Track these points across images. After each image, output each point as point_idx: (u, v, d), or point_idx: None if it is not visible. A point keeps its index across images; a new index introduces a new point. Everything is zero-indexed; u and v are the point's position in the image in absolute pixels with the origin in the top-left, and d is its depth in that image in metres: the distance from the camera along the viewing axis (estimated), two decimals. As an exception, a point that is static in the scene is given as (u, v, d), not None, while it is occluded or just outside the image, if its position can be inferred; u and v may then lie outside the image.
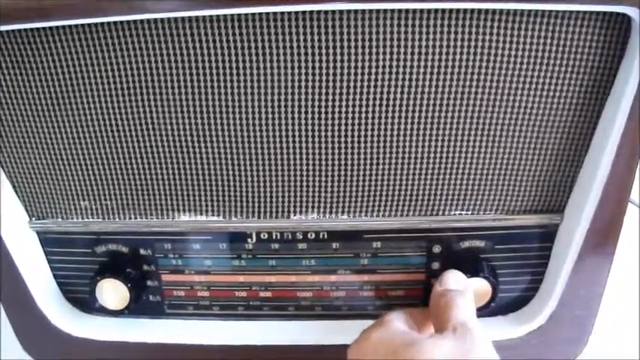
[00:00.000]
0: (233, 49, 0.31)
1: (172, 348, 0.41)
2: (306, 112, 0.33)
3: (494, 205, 0.37)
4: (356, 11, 0.30)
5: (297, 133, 0.34)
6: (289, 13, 0.30)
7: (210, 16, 0.31)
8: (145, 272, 0.40)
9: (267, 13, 0.30)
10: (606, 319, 0.42)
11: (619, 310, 0.45)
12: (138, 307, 0.41)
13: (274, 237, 0.38)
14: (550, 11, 0.30)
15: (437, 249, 0.38)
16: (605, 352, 0.42)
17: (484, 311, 0.39)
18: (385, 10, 0.30)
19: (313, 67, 0.32)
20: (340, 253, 0.39)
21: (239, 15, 0.30)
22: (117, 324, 0.42)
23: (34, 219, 0.39)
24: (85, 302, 0.42)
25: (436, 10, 0.30)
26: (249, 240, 0.38)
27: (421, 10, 0.30)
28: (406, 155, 0.35)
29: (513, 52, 0.31)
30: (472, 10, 0.30)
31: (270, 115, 0.34)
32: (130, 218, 0.38)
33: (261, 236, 0.38)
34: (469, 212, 0.37)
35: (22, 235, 0.39)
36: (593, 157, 0.35)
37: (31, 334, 0.42)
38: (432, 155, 0.35)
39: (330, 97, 0.33)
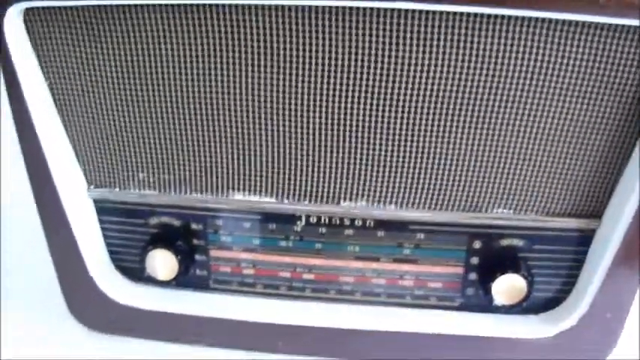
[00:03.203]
0: (295, 40, 0.37)
1: (214, 321, 0.46)
2: (365, 106, 0.39)
3: (534, 206, 0.42)
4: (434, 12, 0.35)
5: (354, 126, 0.39)
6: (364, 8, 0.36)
7: (289, 6, 0.36)
8: (195, 246, 0.45)
9: (337, 7, 0.36)
10: None
11: None
12: (184, 280, 0.46)
13: (323, 221, 0.44)
14: (598, 23, 0.36)
15: (477, 245, 0.44)
16: None
17: (518, 309, 0.44)
18: (455, 13, 0.35)
19: (375, 61, 0.37)
20: (384, 242, 0.44)
21: (315, 6, 0.36)
22: (162, 294, 0.47)
23: (92, 187, 0.45)
24: (133, 272, 0.47)
25: (496, 16, 0.35)
26: (298, 222, 0.44)
27: (488, 15, 0.35)
28: (455, 153, 0.40)
29: (560, 60, 0.36)
30: (530, 19, 0.35)
31: (329, 105, 0.39)
32: (186, 193, 0.44)
33: (311, 220, 0.44)
34: (510, 211, 0.42)
35: (79, 202, 0.45)
36: (633, 166, 0.40)
37: (79, 298, 0.48)
38: (479, 154, 0.40)
39: (389, 92, 0.38)
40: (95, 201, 0.45)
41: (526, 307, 0.44)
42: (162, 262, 0.44)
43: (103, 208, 0.45)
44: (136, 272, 0.47)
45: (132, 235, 0.46)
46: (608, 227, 0.42)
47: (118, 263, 0.47)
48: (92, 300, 0.47)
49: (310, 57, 0.37)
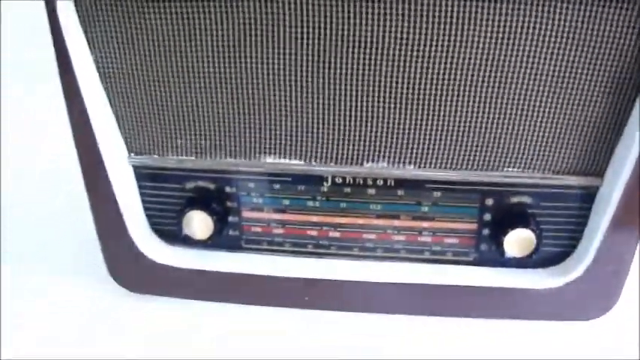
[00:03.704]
0: (316, 15, 0.41)
1: (245, 278, 0.51)
2: (382, 76, 0.43)
3: (541, 164, 0.46)
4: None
5: (375, 93, 0.43)
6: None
7: None
8: (228, 208, 0.50)
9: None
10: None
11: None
12: (218, 241, 0.50)
13: (347, 181, 0.48)
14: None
15: (489, 202, 0.48)
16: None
17: (528, 262, 0.49)
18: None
19: (389, 29, 0.41)
20: (404, 200, 0.48)
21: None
22: (197, 254, 0.52)
23: (132, 154, 0.49)
24: (169, 234, 0.52)
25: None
26: (324, 183, 0.48)
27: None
28: (467, 116, 0.44)
29: (563, 29, 0.40)
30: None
31: (351, 76, 0.43)
32: (220, 157, 0.48)
33: (336, 180, 0.48)
34: (519, 169, 0.46)
35: (121, 169, 0.49)
36: (632, 126, 0.44)
37: (120, 261, 0.52)
38: (489, 116, 0.44)
39: (406, 60, 0.42)
40: (135, 167, 0.49)
41: (535, 260, 0.49)
42: (198, 222, 0.49)
43: (142, 174, 0.50)
44: (171, 235, 0.52)
45: (169, 199, 0.50)
46: (609, 184, 0.46)
47: (155, 227, 0.52)
48: (132, 261, 0.51)
49: (327, 29, 0.41)
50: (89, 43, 0.44)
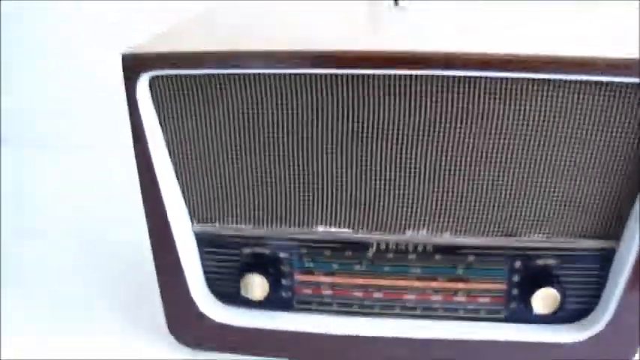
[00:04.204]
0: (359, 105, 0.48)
1: (296, 335, 0.56)
2: (423, 156, 0.49)
3: (563, 230, 0.52)
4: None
5: (417, 172, 0.50)
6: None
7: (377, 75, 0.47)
8: (282, 271, 0.56)
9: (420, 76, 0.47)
10: None
11: None
12: (272, 302, 0.56)
13: (390, 248, 0.54)
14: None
15: (517, 264, 0.54)
16: None
17: (554, 318, 0.54)
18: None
19: (434, 123, 0.48)
20: (441, 264, 0.54)
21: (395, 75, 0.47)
22: (252, 314, 0.57)
23: (195, 223, 0.55)
24: (225, 296, 0.57)
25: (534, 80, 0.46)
26: (369, 249, 0.54)
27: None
28: (497, 189, 0.50)
29: (582, 114, 0.47)
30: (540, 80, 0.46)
31: (392, 157, 0.50)
32: (275, 226, 0.54)
33: (380, 247, 0.54)
34: (544, 235, 0.52)
35: (186, 236, 0.55)
36: (644, 197, 0.50)
37: (180, 318, 0.57)
38: (518, 191, 0.50)
39: (446, 142, 0.49)
40: (197, 234, 0.55)
41: (561, 316, 0.54)
42: (255, 284, 0.54)
43: (203, 240, 0.56)
44: (228, 296, 0.57)
45: (228, 263, 0.56)
46: (625, 247, 0.52)
47: (212, 288, 0.57)
48: (191, 319, 0.57)
49: (372, 118, 0.48)
50: (161, 123, 0.51)
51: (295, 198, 0.53)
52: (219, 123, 0.50)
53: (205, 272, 0.57)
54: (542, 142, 0.49)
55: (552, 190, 0.51)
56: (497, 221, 0.52)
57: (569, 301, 0.54)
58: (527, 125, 0.48)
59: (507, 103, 0.47)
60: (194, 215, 0.55)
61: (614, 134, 0.48)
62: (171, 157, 0.52)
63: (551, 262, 0.54)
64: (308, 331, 0.56)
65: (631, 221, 0.51)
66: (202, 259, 0.56)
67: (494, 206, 0.52)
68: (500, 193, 0.51)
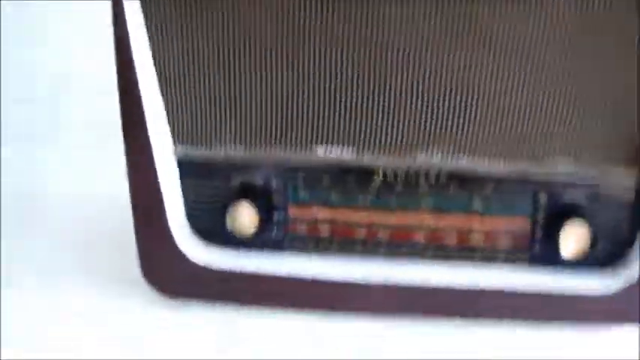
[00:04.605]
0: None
1: (287, 280, 0.50)
2: (435, 65, 0.45)
3: (593, 155, 0.47)
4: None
5: (430, 84, 0.45)
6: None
7: None
8: (274, 204, 0.49)
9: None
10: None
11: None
12: (262, 242, 0.50)
13: (399, 176, 0.48)
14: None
15: (542, 198, 0.48)
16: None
17: (583, 262, 0.48)
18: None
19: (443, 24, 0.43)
20: (456, 197, 0.48)
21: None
22: (240, 255, 0.50)
23: (179, 144, 0.49)
24: (210, 234, 0.51)
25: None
26: (375, 177, 0.48)
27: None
28: (518, 104, 0.45)
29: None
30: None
31: (402, 64, 0.45)
32: (269, 148, 0.48)
33: (388, 175, 0.48)
34: (571, 160, 0.47)
35: (167, 163, 0.49)
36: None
37: (156, 260, 0.50)
38: (537, 104, 0.45)
39: (458, 50, 0.44)
40: (180, 160, 0.49)
41: (591, 261, 0.49)
42: (242, 217, 0.48)
43: (185, 168, 0.49)
44: (212, 235, 0.51)
45: (212, 196, 0.50)
46: (663, 180, 0.47)
47: (195, 226, 0.51)
48: (169, 261, 0.50)
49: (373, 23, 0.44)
50: (148, 30, 0.46)
51: (292, 112, 0.47)
52: (211, 32, 0.46)
53: (187, 207, 0.50)
54: (564, 49, 0.44)
55: (579, 106, 0.46)
56: (519, 141, 0.47)
57: (601, 242, 0.48)
58: (550, 31, 0.43)
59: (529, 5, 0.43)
60: (178, 135, 0.49)
61: None
62: (156, 69, 0.47)
63: (579, 194, 0.48)
64: (302, 275, 0.49)
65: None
66: (185, 190, 0.50)
67: (515, 123, 0.46)
68: (522, 108, 0.46)
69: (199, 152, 0.49)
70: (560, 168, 0.47)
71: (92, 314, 0.53)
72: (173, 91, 0.48)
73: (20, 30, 1.00)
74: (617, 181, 0.48)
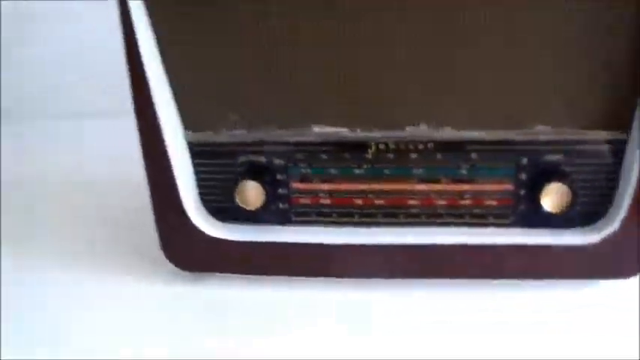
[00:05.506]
0: None
1: (296, 247, 0.55)
2: (417, 40, 0.49)
3: (570, 120, 0.51)
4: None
5: (413, 59, 0.49)
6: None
7: None
8: (278, 180, 0.55)
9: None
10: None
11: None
12: (269, 215, 0.55)
13: (390, 147, 0.53)
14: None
15: (524, 161, 0.52)
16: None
17: (566, 220, 0.53)
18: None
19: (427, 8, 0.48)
20: (443, 164, 0.53)
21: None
22: (249, 229, 0.56)
23: (188, 131, 0.54)
24: (222, 210, 0.56)
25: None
26: (368, 150, 0.53)
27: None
28: (496, 77, 0.49)
29: None
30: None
31: (387, 45, 0.49)
32: (270, 130, 0.53)
33: (380, 147, 0.53)
34: (550, 126, 0.51)
35: (178, 146, 0.54)
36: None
37: (173, 237, 0.56)
38: (517, 74, 0.49)
39: (439, 31, 0.48)
40: (190, 143, 0.54)
41: (573, 219, 0.53)
42: (249, 192, 0.53)
43: (195, 150, 0.55)
44: (222, 211, 0.56)
45: (221, 175, 0.55)
46: (634, 138, 0.51)
47: (207, 204, 0.56)
48: (185, 235, 0.56)
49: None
50: (152, 24, 0.51)
51: (288, 97, 0.52)
52: (212, 22, 0.50)
53: (199, 186, 0.56)
54: (541, 23, 0.48)
55: (555, 75, 0.50)
56: (499, 111, 0.51)
57: (581, 200, 0.52)
58: (524, 4, 0.47)
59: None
60: (187, 122, 0.54)
61: (620, 15, 0.47)
62: (162, 60, 0.52)
63: (559, 157, 0.52)
64: (307, 242, 0.55)
65: (640, 110, 0.51)
66: (196, 171, 0.55)
67: (495, 95, 0.51)
68: (501, 80, 0.50)
69: (207, 136, 0.54)
70: (540, 134, 0.52)
71: (116, 288, 0.59)
72: (179, 80, 0.52)
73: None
74: (595, 143, 0.52)
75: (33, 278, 0.61)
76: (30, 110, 1.10)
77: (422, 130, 0.52)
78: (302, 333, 0.52)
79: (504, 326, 0.52)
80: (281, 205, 0.56)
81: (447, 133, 0.52)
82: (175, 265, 0.57)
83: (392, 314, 0.54)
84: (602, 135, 0.52)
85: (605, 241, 0.53)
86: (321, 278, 0.56)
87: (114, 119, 0.74)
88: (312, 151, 0.54)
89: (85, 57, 1.08)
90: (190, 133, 0.54)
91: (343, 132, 0.53)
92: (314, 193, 0.55)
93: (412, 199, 0.54)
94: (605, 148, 0.52)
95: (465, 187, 0.54)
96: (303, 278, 0.56)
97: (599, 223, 0.54)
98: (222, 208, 0.56)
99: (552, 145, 0.52)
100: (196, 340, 0.52)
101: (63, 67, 1.11)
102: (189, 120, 0.54)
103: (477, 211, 0.55)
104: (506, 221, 0.54)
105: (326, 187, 0.55)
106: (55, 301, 0.58)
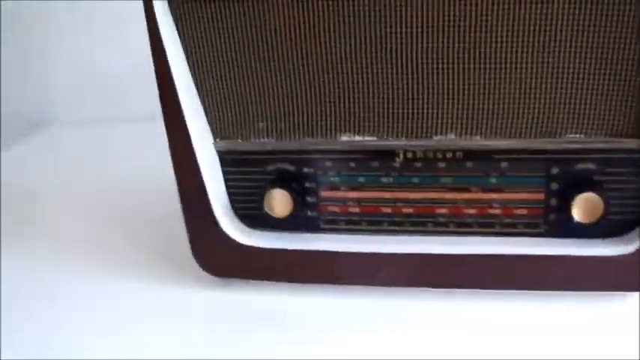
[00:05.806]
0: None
1: (325, 255, 0.55)
2: (449, 51, 0.49)
3: (602, 129, 0.50)
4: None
5: (442, 70, 0.49)
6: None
7: None
8: (307, 188, 0.55)
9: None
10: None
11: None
12: (297, 224, 0.56)
13: (418, 156, 0.53)
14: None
15: (555, 170, 0.52)
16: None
17: (597, 230, 0.52)
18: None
19: (457, 17, 0.48)
20: (472, 172, 0.53)
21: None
22: (278, 236, 0.57)
23: (218, 140, 0.55)
24: (251, 218, 0.57)
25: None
26: (396, 158, 0.53)
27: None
28: (528, 84, 0.49)
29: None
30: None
31: (418, 55, 0.49)
32: (298, 138, 0.54)
33: (407, 155, 0.53)
34: (582, 135, 0.51)
35: (208, 154, 0.55)
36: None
37: (204, 243, 0.57)
38: (548, 83, 0.49)
39: (470, 35, 0.48)
40: (220, 152, 0.56)
41: (605, 229, 0.52)
42: (278, 201, 0.54)
43: (225, 159, 0.56)
44: (252, 219, 0.57)
45: (250, 182, 0.56)
46: (670, 148, 0.50)
47: (237, 212, 0.57)
48: (216, 242, 0.57)
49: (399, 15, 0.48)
50: (180, 35, 0.52)
51: (317, 106, 0.53)
52: (239, 32, 0.51)
53: (229, 194, 0.57)
54: (573, 31, 0.47)
55: (587, 83, 0.49)
56: (529, 120, 0.51)
57: (613, 210, 0.52)
58: (555, 13, 0.47)
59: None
60: (216, 131, 0.55)
61: None
62: (191, 71, 0.53)
63: (591, 166, 0.52)
64: (335, 250, 0.55)
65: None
66: (225, 179, 0.56)
67: (525, 103, 0.50)
68: (531, 89, 0.50)
69: (236, 145, 0.55)
70: (572, 143, 0.51)
71: (150, 293, 0.60)
72: (208, 90, 0.53)
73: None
74: (627, 152, 0.51)
75: (68, 283, 0.63)
76: (60, 115, 1.13)
77: (450, 139, 0.52)
78: (330, 340, 0.53)
79: (527, 336, 0.52)
80: (309, 213, 0.56)
81: (476, 142, 0.52)
82: (206, 271, 0.58)
83: (420, 323, 0.54)
84: (635, 144, 0.51)
85: (636, 253, 0.52)
86: (349, 286, 0.57)
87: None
88: (340, 159, 0.54)
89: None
90: (220, 141, 0.55)
91: (371, 141, 0.53)
92: (342, 202, 0.56)
93: (441, 207, 0.55)
94: (638, 157, 0.51)
95: (495, 196, 0.54)
96: (331, 286, 0.57)
97: (631, 234, 0.53)
98: (252, 215, 0.57)
99: (584, 154, 0.52)
100: (225, 343, 0.53)
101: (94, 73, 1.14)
102: (218, 129, 0.55)
103: (506, 220, 0.54)
104: (537, 231, 0.54)
105: (354, 195, 0.55)
106: (87, 303, 0.60)
